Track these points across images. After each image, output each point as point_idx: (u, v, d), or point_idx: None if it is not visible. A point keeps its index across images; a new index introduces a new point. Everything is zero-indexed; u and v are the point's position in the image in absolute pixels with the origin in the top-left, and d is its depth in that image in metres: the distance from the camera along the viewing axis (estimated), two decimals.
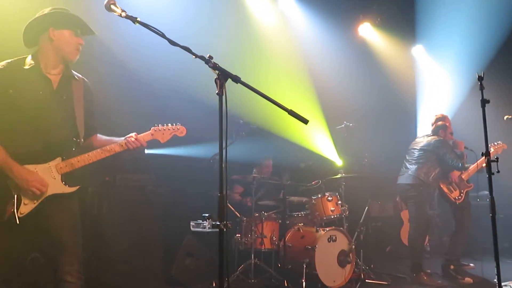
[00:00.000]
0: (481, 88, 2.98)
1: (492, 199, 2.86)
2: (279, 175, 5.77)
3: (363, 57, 7.21)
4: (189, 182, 5.17)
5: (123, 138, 2.77)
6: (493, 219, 2.85)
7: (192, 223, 4.64)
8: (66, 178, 2.55)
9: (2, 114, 2.44)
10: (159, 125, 2.90)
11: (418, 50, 7.97)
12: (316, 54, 6.56)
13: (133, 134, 2.78)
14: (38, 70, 2.54)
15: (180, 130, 2.95)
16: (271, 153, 6.05)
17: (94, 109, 2.85)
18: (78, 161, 2.58)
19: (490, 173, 2.85)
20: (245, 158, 5.44)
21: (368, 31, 7.38)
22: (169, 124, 2.93)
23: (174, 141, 2.97)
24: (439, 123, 5.37)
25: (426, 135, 5.41)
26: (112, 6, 2.24)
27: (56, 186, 2.50)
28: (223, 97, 2.14)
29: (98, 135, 2.87)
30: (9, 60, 2.53)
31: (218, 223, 2.04)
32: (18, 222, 2.37)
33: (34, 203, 2.44)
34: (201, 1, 5.19)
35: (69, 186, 2.55)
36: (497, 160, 2.89)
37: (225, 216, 2.06)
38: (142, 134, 2.82)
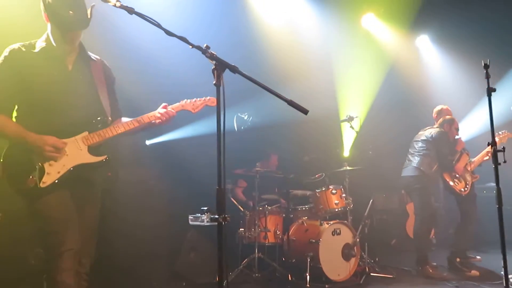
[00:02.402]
0: (487, 76, 2.91)
1: (498, 190, 2.79)
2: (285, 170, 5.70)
3: (367, 47, 7.12)
4: (192, 175, 5.13)
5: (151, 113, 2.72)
6: (500, 210, 2.79)
7: (190, 217, 4.60)
8: (93, 149, 2.51)
9: (20, 99, 2.43)
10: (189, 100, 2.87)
11: (422, 40, 7.87)
12: (318, 45, 6.47)
13: (163, 104, 2.73)
14: (51, 52, 2.49)
15: (211, 100, 2.86)
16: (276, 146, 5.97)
17: (116, 91, 2.82)
18: (106, 132, 2.54)
19: (496, 163, 2.78)
20: (250, 151, 5.38)
21: (372, 22, 7.28)
22: (199, 98, 2.88)
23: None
24: (447, 117, 5.30)
25: (430, 127, 5.34)
26: None
27: (81, 157, 2.46)
28: (221, 87, 2.09)
29: (123, 118, 2.82)
30: (19, 44, 2.48)
31: (217, 216, 2.00)
32: (40, 186, 2.32)
33: (58, 173, 2.39)
34: None
35: (95, 156, 2.50)
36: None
37: (224, 210, 2.01)
38: (172, 105, 2.78)
